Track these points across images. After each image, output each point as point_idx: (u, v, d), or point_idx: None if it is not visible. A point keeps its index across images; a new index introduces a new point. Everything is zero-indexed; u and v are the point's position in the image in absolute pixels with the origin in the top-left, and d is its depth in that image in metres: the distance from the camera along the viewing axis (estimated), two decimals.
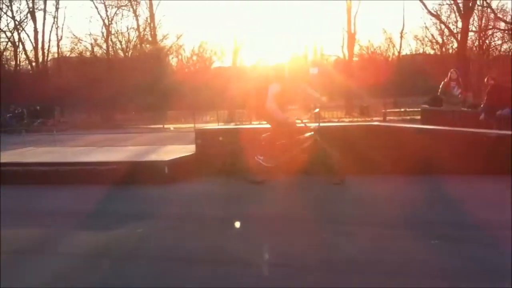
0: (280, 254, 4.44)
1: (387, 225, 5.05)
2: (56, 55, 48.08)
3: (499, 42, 47.60)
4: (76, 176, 8.20)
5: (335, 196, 6.56)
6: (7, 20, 46.21)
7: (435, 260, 3.99)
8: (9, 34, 46.34)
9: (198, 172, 8.25)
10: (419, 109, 18.61)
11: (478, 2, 40.78)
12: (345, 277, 3.75)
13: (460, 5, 39.80)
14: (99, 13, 46.84)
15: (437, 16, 43.93)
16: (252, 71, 39.14)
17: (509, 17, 44.02)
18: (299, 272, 3.92)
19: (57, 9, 46.14)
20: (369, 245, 4.47)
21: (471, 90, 30.23)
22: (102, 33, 47.30)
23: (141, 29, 47.93)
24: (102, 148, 12.44)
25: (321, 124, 7.24)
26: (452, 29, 44.35)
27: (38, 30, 45.88)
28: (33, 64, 47.38)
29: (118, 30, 48.12)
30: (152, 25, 47.06)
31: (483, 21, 44.76)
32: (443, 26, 45.39)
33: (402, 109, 33.75)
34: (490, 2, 42.58)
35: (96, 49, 48.01)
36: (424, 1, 42.08)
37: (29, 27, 58.22)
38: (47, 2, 45.99)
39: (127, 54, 48.85)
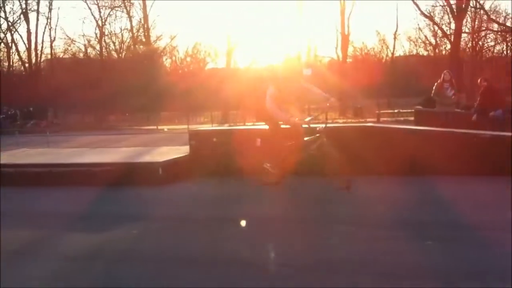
0: (275, 254, 4.45)
1: (381, 226, 5.06)
2: (49, 56, 47.99)
3: (492, 43, 47.94)
4: (70, 177, 8.17)
5: (333, 197, 6.57)
6: (0, 21, 46.03)
7: (429, 261, 4.00)
8: (2, 35, 46.25)
9: (192, 173, 8.25)
10: (413, 110, 18.68)
11: (471, 4, 40.96)
12: (343, 278, 3.75)
13: (453, 6, 39.96)
14: (92, 14, 46.81)
15: (430, 18, 44.14)
16: (246, 72, 39.19)
17: (502, 18, 44.28)
18: (296, 273, 3.92)
19: (50, 10, 46.07)
20: (364, 245, 4.48)
21: (464, 92, 30.35)
22: (96, 34, 47.27)
23: (134, 30, 47.91)
24: (96, 149, 12.40)
25: (314, 125, 7.07)
26: (445, 31, 44.57)
27: (31, 31, 45.77)
28: (26, 65, 47.21)
29: (111, 31, 48.11)
30: (145, 26, 47.03)
31: (476, 22, 45.00)
32: (436, 28, 45.63)
33: (396, 110, 33.88)
34: (483, 3, 42.79)
35: (89, 50, 47.98)
36: (417, 3, 42.28)
37: (22, 28, 58.12)
38: (40, 3, 45.92)
39: (120, 55, 48.79)
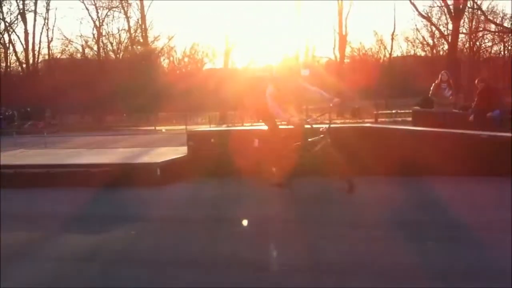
0: (273, 255, 4.45)
1: (379, 226, 5.06)
2: (46, 57, 48.06)
3: (490, 44, 48.08)
4: (68, 178, 8.15)
5: (331, 197, 6.57)
6: None
7: (428, 261, 4.01)
8: None
9: (190, 174, 8.24)
10: (410, 111, 18.69)
11: (468, 4, 41.07)
12: (342, 278, 3.76)
13: (451, 7, 40.06)
14: (90, 15, 46.87)
15: (427, 18, 44.25)
16: (244, 72, 39.21)
17: (500, 19, 44.39)
18: (295, 273, 3.92)
19: (47, 10, 46.12)
20: (361, 246, 4.48)
21: (462, 92, 30.43)
22: (93, 34, 47.31)
23: (132, 31, 47.97)
24: (93, 150, 12.39)
25: (315, 126, 7.02)
26: (443, 31, 44.71)
27: (28, 31, 45.79)
28: (24, 65, 47.24)
29: (109, 32, 48.17)
30: (143, 27, 47.09)
31: (474, 23, 45.13)
32: (433, 28, 45.73)
33: (394, 111, 33.90)
34: (480, 4, 42.90)
35: (87, 50, 48.01)
36: (415, 3, 42.39)
37: (19, 28, 58.04)
38: (38, 3, 45.92)
39: (118, 55, 48.80)
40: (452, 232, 4.78)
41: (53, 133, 26.88)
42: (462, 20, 42.07)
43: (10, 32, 46.54)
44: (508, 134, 7.84)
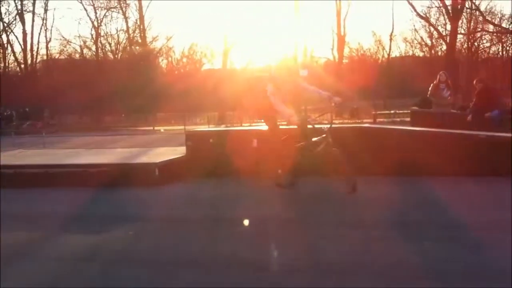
0: (272, 255, 4.45)
1: (378, 226, 5.07)
2: (45, 57, 48.03)
3: (488, 44, 48.16)
4: (66, 178, 8.15)
5: (330, 198, 6.57)
6: None
7: (427, 261, 4.01)
8: None
9: (189, 174, 8.24)
10: (409, 111, 18.70)
11: (466, 5, 41.11)
12: (341, 278, 3.75)
13: (449, 7, 40.10)
14: (88, 15, 46.93)
15: (426, 19, 44.33)
16: (242, 73, 39.23)
17: (498, 19, 44.46)
18: (295, 273, 3.92)
19: (46, 11, 46.11)
20: (360, 246, 4.48)
21: (460, 92, 30.47)
22: (92, 35, 47.32)
23: (130, 31, 47.96)
24: (92, 150, 12.39)
25: (316, 126, 6.98)
26: (441, 32, 44.79)
27: (26, 32, 45.76)
28: (22, 66, 47.23)
29: (107, 32, 48.21)
30: (141, 27, 47.09)
31: (472, 23, 45.20)
32: (432, 29, 45.81)
33: (392, 111, 33.94)
34: (478, 4, 42.96)
35: (85, 51, 48.04)
36: (413, 4, 42.42)
37: (17, 29, 57.90)
38: (36, 3, 45.86)
39: (116, 56, 48.82)
40: (452, 232, 4.78)
41: (52, 133, 26.90)
42: (460, 21, 42.17)
43: (8, 33, 46.63)
44: (506, 134, 7.84)
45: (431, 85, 13.38)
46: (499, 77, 41.31)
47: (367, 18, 78.04)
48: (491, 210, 5.53)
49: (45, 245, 5.10)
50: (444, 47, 44.02)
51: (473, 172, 7.08)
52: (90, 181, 7.87)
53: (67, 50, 47.53)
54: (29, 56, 46.54)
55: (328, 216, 5.68)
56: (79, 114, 44.90)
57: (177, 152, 9.24)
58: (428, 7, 44.49)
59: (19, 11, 45.38)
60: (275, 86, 6.77)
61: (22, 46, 46.13)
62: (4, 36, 46.40)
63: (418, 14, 43.35)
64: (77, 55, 47.94)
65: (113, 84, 39.14)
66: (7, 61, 47.62)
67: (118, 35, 48.02)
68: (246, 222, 5.60)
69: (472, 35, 45.91)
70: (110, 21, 53.70)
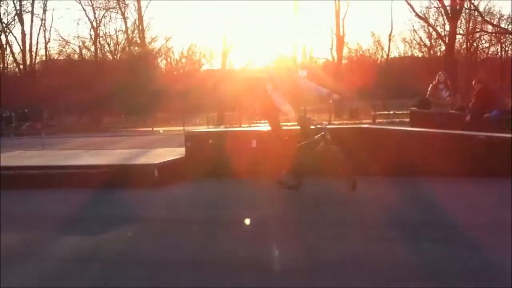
0: (272, 255, 4.45)
1: (377, 226, 5.07)
2: (44, 58, 47.93)
3: (487, 44, 48.16)
4: (66, 179, 8.15)
5: (330, 197, 6.58)
6: None
7: (426, 262, 4.01)
8: None
9: (188, 175, 8.24)
10: (408, 112, 18.70)
11: (465, 5, 41.09)
12: (340, 278, 3.76)
13: (448, 8, 40.08)
14: (87, 16, 46.84)
15: (424, 19, 44.30)
16: (241, 73, 39.22)
17: (497, 20, 44.47)
18: (293, 274, 3.92)
19: (44, 11, 46.02)
20: (359, 246, 4.48)
21: (459, 93, 30.47)
22: (90, 35, 47.24)
23: (129, 32, 47.91)
24: (91, 151, 12.38)
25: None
26: (440, 32, 44.75)
27: (25, 32, 45.68)
28: (21, 66, 47.13)
29: (106, 33, 48.12)
30: (140, 28, 47.02)
31: (471, 24, 45.20)
32: (431, 29, 45.80)
33: (391, 112, 33.89)
34: (477, 5, 42.96)
35: (84, 51, 47.96)
36: (412, 4, 42.40)
37: (16, 29, 57.83)
38: (35, 4, 45.80)
39: (115, 56, 48.77)
40: (451, 232, 4.79)
41: (51, 134, 26.87)
42: (459, 21, 42.12)
43: (7, 33, 46.49)
44: (505, 135, 7.85)
45: (430, 85, 13.39)
46: (498, 78, 41.34)
47: (366, 19, 78.07)
48: (491, 210, 5.54)
49: (44, 246, 5.10)
50: (443, 48, 44.01)
51: (472, 172, 7.09)
52: (89, 182, 7.87)
53: (66, 50, 47.51)
54: (28, 56, 46.47)
55: (328, 216, 5.69)
56: (78, 115, 44.80)
57: (176, 153, 9.25)
58: (427, 7, 44.50)
59: (18, 12, 45.33)
60: (274, 86, 6.77)
61: (21, 46, 46.08)
62: (3, 37, 46.36)
63: (417, 15, 43.36)
64: (76, 56, 47.92)
65: (112, 84, 39.03)
66: (6, 62, 47.61)
67: (117, 36, 48.00)
68: (246, 221, 5.60)
69: (471, 36, 45.91)
70: (109, 21, 53.50)
